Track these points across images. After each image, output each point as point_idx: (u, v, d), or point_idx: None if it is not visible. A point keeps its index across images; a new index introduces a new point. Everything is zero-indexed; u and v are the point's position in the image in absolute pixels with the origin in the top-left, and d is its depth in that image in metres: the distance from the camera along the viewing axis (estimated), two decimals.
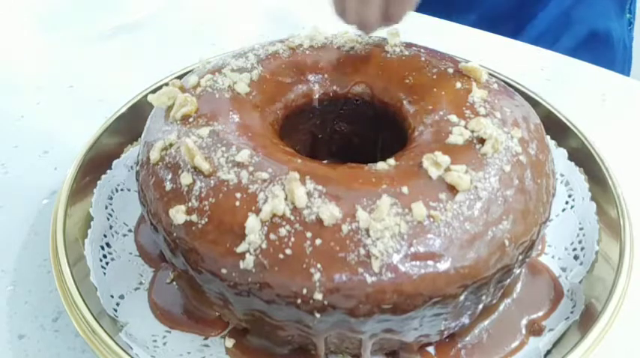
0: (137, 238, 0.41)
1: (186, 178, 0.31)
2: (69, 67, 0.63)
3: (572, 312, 0.35)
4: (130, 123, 0.45)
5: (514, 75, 0.50)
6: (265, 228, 0.28)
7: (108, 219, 0.41)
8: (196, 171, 0.31)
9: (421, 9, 0.70)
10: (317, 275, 0.27)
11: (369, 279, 0.27)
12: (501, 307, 0.36)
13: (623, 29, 0.75)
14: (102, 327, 0.31)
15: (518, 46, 0.65)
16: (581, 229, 0.40)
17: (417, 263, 0.27)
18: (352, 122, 0.43)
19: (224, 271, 0.29)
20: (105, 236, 0.40)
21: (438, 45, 0.42)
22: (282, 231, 0.28)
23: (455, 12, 0.71)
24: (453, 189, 0.30)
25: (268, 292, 0.28)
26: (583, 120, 0.46)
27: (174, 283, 0.37)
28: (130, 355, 0.30)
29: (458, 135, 0.33)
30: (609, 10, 0.72)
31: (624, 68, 0.73)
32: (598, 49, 0.69)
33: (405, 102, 0.38)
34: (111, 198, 0.42)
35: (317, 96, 0.41)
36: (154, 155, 0.33)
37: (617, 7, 0.73)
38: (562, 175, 0.43)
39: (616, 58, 0.72)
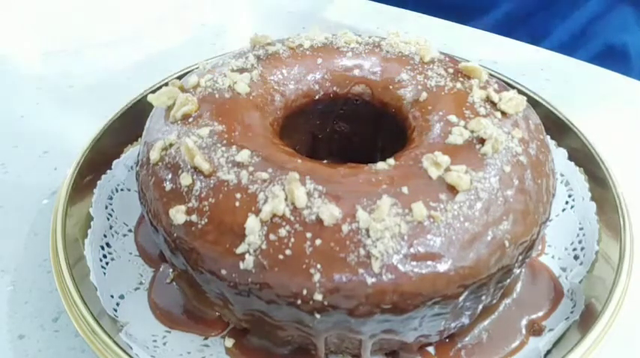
0: (137, 238, 0.41)
1: (186, 178, 0.31)
2: (69, 67, 0.63)
3: (572, 312, 0.35)
4: (130, 123, 0.45)
5: (514, 75, 0.50)
6: (265, 229, 0.28)
7: (108, 219, 0.41)
8: (196, 171, 0.31)
9: (434, 13, 0.71)
10: (317, 276, 0.27)
11: (369, 280, 0.27)
12: (501, 307, 0.36)
13: None
14: (102, 327, 0.31)
15: (519, 46, 0.65)
16: (581, 229, 0.40)
17: (417, 263, 0.27)
18: (352, 122, 0.43)
19: (224, 272, 0.29)
20: (105, 236, 0.40)
21: (438, 45, 0.42)
22: (282, 232, 0.28)
23: (467, 20, 0.71)
24: (453, 190, 0.30)
25: (268, 292, 0.28)
26: (583, 120, 0.46)
27: (174, 283, 0.37)
28: (129, 355, 0.30)
29: (457, 136, 0.33)
30: (627, 23, 0.72)
31: None
32: (614, 62, 0.68)
33: (404, 102, 0.38)
34: (111, 198, 0.42)
35: (317, 96, 0.41)
36: (154, 155, 0.33)
37: (636, 20, 0.73)
38: (562, 175, 0.43)
39: (633, 71, 0.72)
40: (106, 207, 0.41)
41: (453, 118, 0.35)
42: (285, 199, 0.29)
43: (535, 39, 0.69)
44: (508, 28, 0.70)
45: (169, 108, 0.36)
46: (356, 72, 0.41)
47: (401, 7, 0.73)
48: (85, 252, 0.37)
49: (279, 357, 0.33)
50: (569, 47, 0.69)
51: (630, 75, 0.61)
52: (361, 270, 0.27)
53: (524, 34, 0.69)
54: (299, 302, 0.28)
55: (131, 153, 0.45)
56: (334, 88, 0.41)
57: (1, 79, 0.61)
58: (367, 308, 0.27)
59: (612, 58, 0.70)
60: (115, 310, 0.35)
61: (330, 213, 0.28)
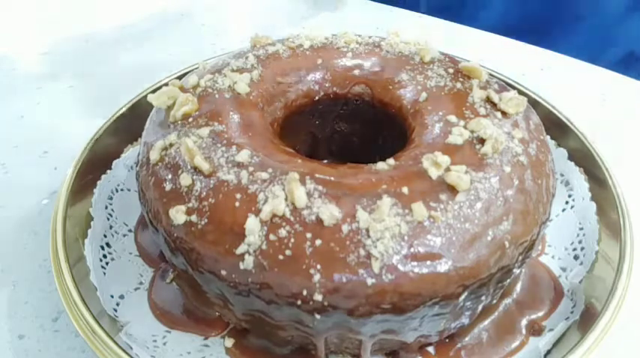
0: (137, 238, 0.41)
1: (186, 178, 0.31)
2: (69, 67, 0.63)
3: (572, 312, 0.35)
4: (130, 123, 0.45)
5: (514, 75, 0.50)
6: (265, 229, 0.28)
7: (108, 219, 0.41)
8: (196, 171, 0.31)
9: (435, 13, 0.71)
10: (317, 276, 0.27)
11: (369, 280, 0.27)
12: (501, 307, 0.36)
13: None
14: (102, 327, 0.31)
15: (519, 46, 0.65)
16: (581, 229, 0.40)
17: (417, 263, 0.27)
18: (352, 122, 0.43)
19: (224, 272, 0.29)
20: (105, 236, 0.40)
21: (438, 45, 0.42)
22: (282, 232, 0.28)
23: (471, 21, 0.71)
24: (453, 190, 0.29)
25: (268, 292, 0.28)
26: (583, 120, 0.46)
27: (174, 283, 0.37)
28: (129, 355, 0.30)
29: (457, 136, 0.33)
30: None
31: None
32: (636, 69, 0.68)
33: (404, 102, 0.38)
34: (111, 198, 0.42)
35: (317, 96, 0.41)
36: (154, 155, 0.33)
37: None
38: (562, 175, 0.43)
39: None
40: (106, 207, 0.41)
41: (452, 118, 0.35)
42: (285, 199, 0.29)
43: (554, 44, 0.68)
44: (520, 33, 0.69)
45: (169, 108, 0.36)
46: (356, 72, 0.41)
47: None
48: (85, 252, 0.37)
49: (279, 357, 0.33)
50: (590, 53, 0.68)
51: None
52: (361, 270, 0.27)
53: (538, 41, 0.68)
54: (299, 302, 0.28)
55: (131, 153, 0.45)
56: (334, 88, 0.41)
57: (1, 79, 0.61)
58: (367, 309, 0.27)
59: (634, 65, 0.70)
60: (115, 310, 0.35)
61: (330, 213, 0.28)
